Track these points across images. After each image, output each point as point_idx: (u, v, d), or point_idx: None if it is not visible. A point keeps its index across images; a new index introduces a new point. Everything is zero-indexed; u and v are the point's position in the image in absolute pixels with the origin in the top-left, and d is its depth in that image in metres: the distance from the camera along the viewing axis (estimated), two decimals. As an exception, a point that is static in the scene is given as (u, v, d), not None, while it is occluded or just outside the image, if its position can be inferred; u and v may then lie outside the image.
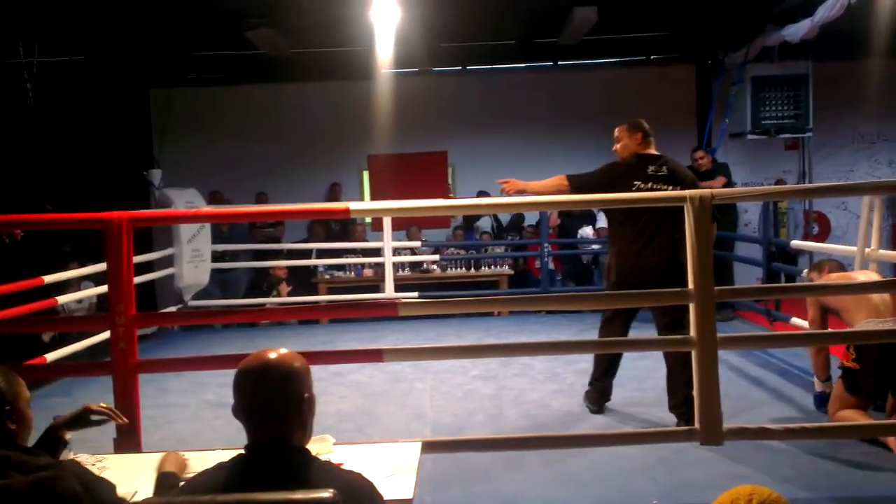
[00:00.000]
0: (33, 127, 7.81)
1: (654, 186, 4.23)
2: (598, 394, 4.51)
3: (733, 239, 7.94)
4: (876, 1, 6.40)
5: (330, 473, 1.75)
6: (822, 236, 9.65)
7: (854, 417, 3.73)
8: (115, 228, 3.30)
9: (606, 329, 4.41)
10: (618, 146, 4.52)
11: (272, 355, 1.80)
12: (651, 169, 4.30)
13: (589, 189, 4.26)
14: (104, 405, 2.44)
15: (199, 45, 8.55)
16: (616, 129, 4.57)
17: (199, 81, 9.59)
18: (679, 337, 3.62)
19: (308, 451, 1.80)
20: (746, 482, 1.54)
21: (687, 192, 3.35)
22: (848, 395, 3.79)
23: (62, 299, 5.75)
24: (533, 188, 4.37)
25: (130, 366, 3.32)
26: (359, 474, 1.80)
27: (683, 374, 3.79)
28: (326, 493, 1.65)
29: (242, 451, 1.79)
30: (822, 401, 4.18)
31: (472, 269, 8.33)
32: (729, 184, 7.60)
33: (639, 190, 4.22)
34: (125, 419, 2.47)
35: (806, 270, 6.24)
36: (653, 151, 4.43)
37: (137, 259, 5.85)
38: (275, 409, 1.75)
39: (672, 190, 4.13)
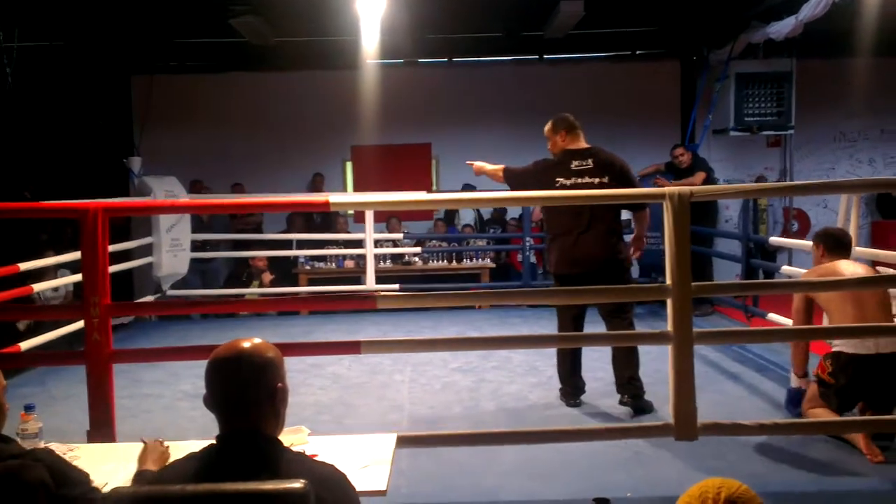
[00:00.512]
0: (12, 113, 7.71)
1: (578, 182, 4.35)
2: (572, 389, 4.55)
3: (713, 235, 7.98)
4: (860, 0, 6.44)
5: (302, 465, 1.74)
6: (802, 233, 9.72)
7: (826, 415, 3.76)
8: (90, 218, 3.26)
9: (560, 325, 4.56)
10: (549, 145, 4.56)
11: (245, 345, 1.78)
12: (574, 164, 4.42)
13: (519, 184, 4.46)
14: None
15: (183, 32, 8.46)
16: (544, 129, 4.61)
17: (182, 69, 9.50)
18: (657, 332, 3.63)
19: (280, 442, 1.79)
20: (719, 476, 1.55)
21: (666, 189, 3.36)
22: (820, 400, 3.83)
23: (38, 287, 5.69)
24: (489, 172, 4.64)
25: (105, 356, 3.30)
26: (332, 466, 1.78)
27: (623, 354, 4.27)
28: (297, 484, 1.64)
29: (214, 442, 1.77)
30: (794, 398, 4.13)
31: (454, 261, 8.32)
32: (709, 179, 7.64)
33: (562, 187, 4.35)
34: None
35: (785, 266, 6.31)
36: (581, 145, 4.53)
37: (115, 247, 5.82)
38: (247, 399, 1.73)
39: (599, 182, 4.29)
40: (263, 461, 1.70)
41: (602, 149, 4.49)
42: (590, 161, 4.39)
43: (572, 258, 4.37)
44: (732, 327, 6.43)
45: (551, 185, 4.34)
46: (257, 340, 1.81)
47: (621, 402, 4.34)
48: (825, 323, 3.90)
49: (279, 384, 1.78)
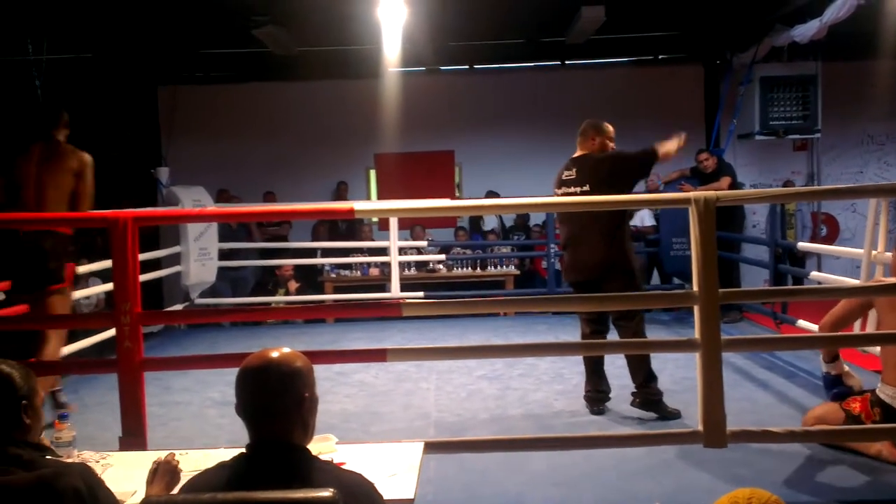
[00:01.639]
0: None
1: (567, 191, 4.45)
2: (595, 394, 4.56)
3: (740, 240, 7.91)
4: (885, 1, 6.37)
5: (331, 473, 1.76)
6: (831, 238, 9.61)
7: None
8: (120, 227, 3.31)
9: (581, 332, 4.67)
10: None
11: (274, 354, 1.81)
12: (565, 175, 4.52)
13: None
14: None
15: (207, 43, 8.58)
16: None
17: (207, 79, 9.63)
18: (685, 339, 3.61)
19: (309, 451, 1.81)
20: (749, 485, 1.54)
21: (692, 194, 3.35)
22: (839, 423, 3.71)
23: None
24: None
25: (136, 364, 3.34)
26: (360, 475, 1.81)
27: (631, 361, 4.32)
28: (326, 493, 1.67)
29: (244, 450, 1.80)
30: (829, 384, 3.93)
31: (479, 268, 8.32)
32: (734, 184, 7.58)
33: (556, 195, 4.51)
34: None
35: (814, 272, 6.22)
36: (578, 153, 4.60)
37: (144, 256, 5.89)
38: (276, 408, 1.76)
39: (581, 191, 4.37)
40: (293, 470, 1.73)
41: (592, 155, 4.50)
42: (573, 170, 4.47)
43: (574, 266, 4.51)
44: (761, 334, 6.36)
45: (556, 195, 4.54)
46: (286, 350, 1.84)
47: (631, 404, 4.41)
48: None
49: (307, 393, 1.81)
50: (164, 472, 2.11)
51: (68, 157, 4.54)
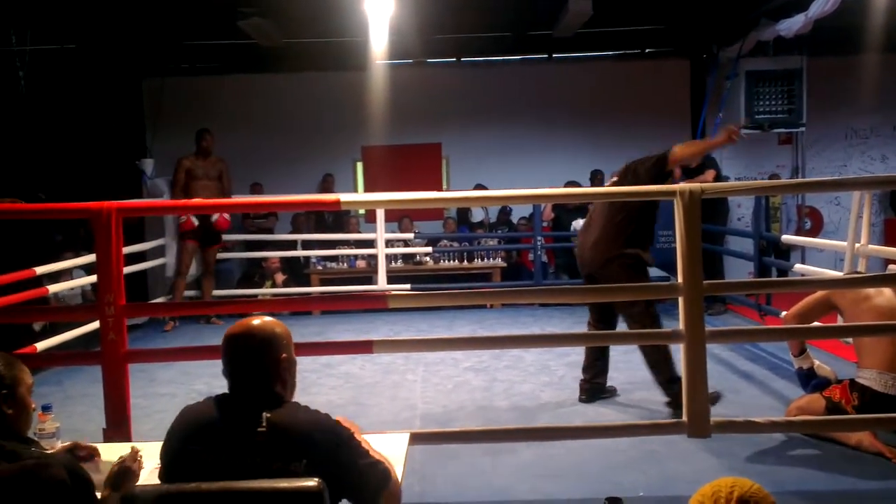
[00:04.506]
0: (25, 115, 7.78)
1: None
2: (590, 386, 4.57)
3: (725, 233, 7.96)
4: (869, -4, 6.43)
5: (299, 409, 1.96)
6: (815, 231, 9.68)
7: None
8: (103, 218, 3.29)
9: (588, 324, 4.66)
10: None
11: (255, 322, 2.03)
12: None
13: None
14: (91, 445, 2.35)
15: (192, 34, 8.51)
16: None
17: (192, 71, 9.55)
18: (668, 330, 3.64)
19: (284, 397, 1.99)
20: (732, 475, 1.55)
21: (677, 186, 3.37)
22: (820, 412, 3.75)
23: (53, 288, 5.74)
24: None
25: (120, 356, 3.33)
26: (326, 415, 1.98)
27: (652, 353, 4.24)
28: (312, 482, 1.72)
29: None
30: (804, 378, 3.98)
31: (465, 261, 8.33)
32: (719, 177, 7.56)
33: None
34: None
35: (798, 265, 6.27)
36: None
37: (129, 249, 5.86)
38: (254, 367, 1.97)
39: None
40: (269, 401, 1.94)
41: (630, 162, 4.55)
42: (614, 177, 4.60)
43: (579, 259, 4.62)
44: (745, 326, 6.41)
45: None
46: (266, 318, 2.06)
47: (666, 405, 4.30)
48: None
49: (284, 355, 2.00)
50: (122, 472, 2.09)
51: None
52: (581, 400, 4.57)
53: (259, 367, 1.96)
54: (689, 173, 7.44)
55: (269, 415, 1.88)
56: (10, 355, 2.05)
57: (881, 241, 9.23)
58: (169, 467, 1.92)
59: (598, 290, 4.15)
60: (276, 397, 1.97)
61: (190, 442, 1.87)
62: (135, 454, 2.09)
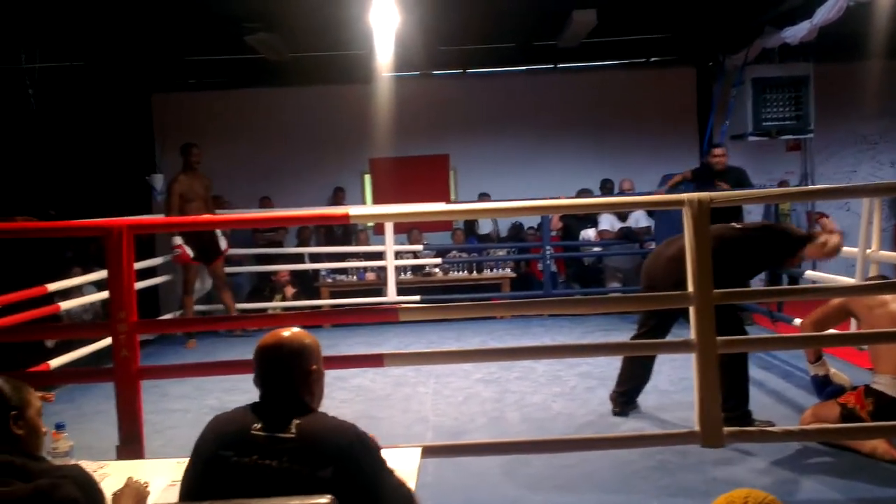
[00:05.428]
0: (35, 133, 7.84)
1: None
2: (628, 398, 4.51)
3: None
4: (875, 2, 6.40)
5: (326, 417, 2.00)
6: (825, 237, 9.62)
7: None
8: (115, 236, 3.31)
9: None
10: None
11: (285, 333, 2.11)
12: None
13: None
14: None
15: (200, 50, 8.57)
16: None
17: (200, 86, 9.62)
18: (680, 340, 3.61)
19: (311, 406, 2.04)
20: (745, 485, 1.55)
21: (685, 196, 3.36)
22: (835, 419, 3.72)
23: (65, 305, 5.77)
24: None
25: (132, 372, 3.33)
26: (353, 424, 2.01)
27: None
28: (323, 500, 1.74)
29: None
30: (819, 385, 3.95)
31: (475, 272, 8.33)
32: (745, 184, 7.32)
33: None
34: None
35: (809, 271, 6.23)
36: None
37: (139, 265, 5.88)
38: (285, 377, 2.03)
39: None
40: (298, 409, 1.98)
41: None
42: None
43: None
44: (758, 334, 6.37)
45: None
46: (296, 329, 2.14)
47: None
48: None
49: (314, 366, 2.07)
50: (129, 495, 2.11)
51: None
52: (615, 413, 4.49)
53: (288, 377, 2.02)
54: (713, 176, 7.25)
55: (298, 421, 1.92)
56: (18, 380, 2.06)
57: (891, 246, 9.17)
58: (201, 474, 1.95)
59: (607, 301, 4.14)
60: (304, 406, 2.01)
61: (222, 447, 1.92)
62: (136, 482, 2.12)
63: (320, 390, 2.12)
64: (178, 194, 6.92)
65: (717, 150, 7.30)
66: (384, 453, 2.10)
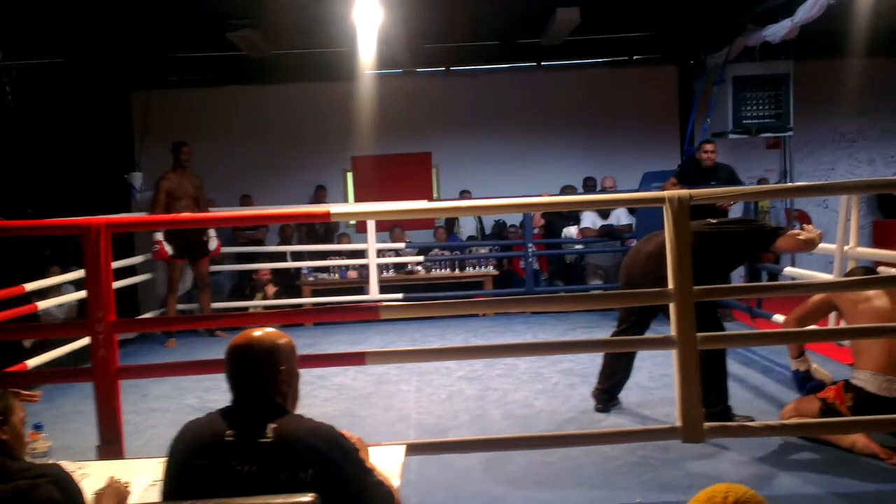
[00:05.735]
0: (13, 130, 7.75)
1: None
2: (610, 395, 4.52)
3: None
4: (855, 0, 6.47)
5: (303, 419, 1.97)
6: (804, 234, 9.71)
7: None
8: (92, 234, 3.27)
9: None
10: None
11: (257, 333, 2.07)
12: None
13: None
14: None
15: (181, 46, 8.51)
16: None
17: (181, 83, 9.54)
18: (661, 336, 3.63)
19: (284, 407, 2.00)
20: (726, 480, 1.56)
21: (665, 193, 3.37)
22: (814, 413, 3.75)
23: (42, 304, 5.70)
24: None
25: (111, 372, 3.30)
26: (330, 426, 1.98)
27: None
28: (307, 498, 1.72)
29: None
30: (800, 381, 4.00)
31: (457, 269, 8.33)
32: (735, 182, 7.28)
33: None
34: None
35: (788, 268, 6.28)
36: None
37: (118, 264, 5.83)
38: (255, 378, 1.99)
39: None
40: (272, 411, 1.95)
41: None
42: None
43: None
44: (737, 330, 6.42)
45: None
46: (269, 329, 2.09)
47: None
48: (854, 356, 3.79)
49: (283, 366, 2.02)
50: (111, 493, 2.10)
51: None
52: (598, 410, 4.49)
53: (258, 378, 1.98)
54: (703, 173, 7.23)
55: (273, 425, 1.89)
56: (2, 388, 2.06)
57: (869, 243, 9.28)
58: (176, 484, 1.92)
59: (589, 298, 4.15)
60: (278, 408, 1.98)
61: (196, 457, 1.88)
62: (117, 482, 2.11)
63: (294, 391, 2.08)
64: (165, 191, 6.86)
65: (708, 146, 7.18)
66: (369, 451, 2.09)
